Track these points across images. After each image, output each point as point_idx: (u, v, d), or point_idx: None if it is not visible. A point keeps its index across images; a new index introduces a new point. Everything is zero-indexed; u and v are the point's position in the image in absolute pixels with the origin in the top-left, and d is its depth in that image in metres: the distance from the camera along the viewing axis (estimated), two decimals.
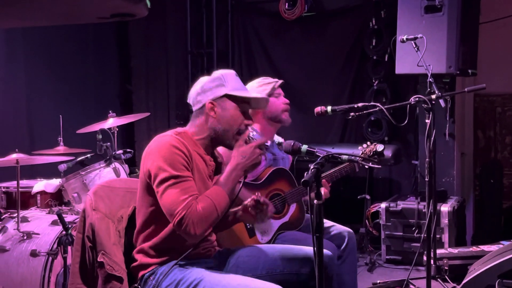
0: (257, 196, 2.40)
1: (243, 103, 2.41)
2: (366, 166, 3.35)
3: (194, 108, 2.44)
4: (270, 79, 3.30)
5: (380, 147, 3.21)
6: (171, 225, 2.21)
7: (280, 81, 3.29)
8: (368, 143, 3.28)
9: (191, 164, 2.29)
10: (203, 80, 2.44)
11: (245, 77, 6.18)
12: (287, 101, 3.28)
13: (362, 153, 3.24)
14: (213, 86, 2.40)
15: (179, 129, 2.42)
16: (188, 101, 2.47)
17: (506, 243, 4.12)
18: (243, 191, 3.02)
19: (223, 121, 2.37)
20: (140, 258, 2.35)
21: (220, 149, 2.59)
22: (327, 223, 3.22)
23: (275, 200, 3.16)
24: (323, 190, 3.11)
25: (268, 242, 3.10)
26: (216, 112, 2.37)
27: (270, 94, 3.21)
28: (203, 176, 2.36)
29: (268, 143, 3.23)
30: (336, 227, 3.23)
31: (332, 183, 3.22)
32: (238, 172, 2.30)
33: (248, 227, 3.05)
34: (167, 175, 2.21)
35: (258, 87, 3.23)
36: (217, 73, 2.45)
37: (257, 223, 2.48)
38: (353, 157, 2.26)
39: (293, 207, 3.22)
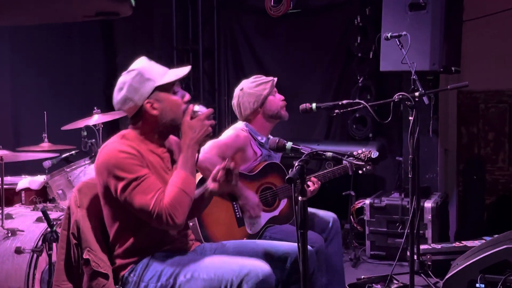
0: (226, 164, 2.36)
1: (172, 85, 2.33)
2: (360, 171, 3.41)
3: (129, 115, 2.36)
4: (264, 78, 3.33)
5: (374, 154, 3.29)
6: (151, 224, 2.21)
7: (275, 79, 3.32)
8: (364, 149, 3.38)
9: (144, 162, 2.26)
10: (124, 83, 2.33)
11: (231, 73, 6.25)
12: (283, 97, 3.33)
13: (356, 156, 3.30)
14: (139, 86, 2.29)
15: (122, 132, 2.38)
16: (116, 108, 2.38)
17: (488, 238, 4.17)
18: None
19: (167, 112, 2.32)
20: (118, 261, 2.35)
21: None
22: (310, 210, 3.28)
23: (267, 193, 3.22)
24: (312, 186, 3.17)
25: (256, 234, 3.15)
26: (156, 108, 2.31)
27: (269, 93, 3.26)
28: (159, 171, 2.34)
29: (263, 139, 3.30)
30: (320, 213, 3.33)
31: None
32: (192, 147, 2.28)
33: (238, 216, 3.10)
34: (126, 182, 2.20)
35: (256, 86, 3.26)
36: (133, 69, 2.33)
37: (223, 191, 2.41)
38: (337, 155, 2.28)
39: (283, 202, 3.27)
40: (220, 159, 3.00)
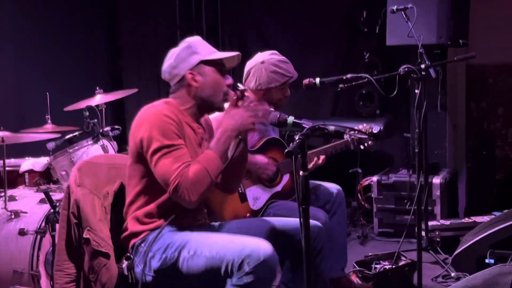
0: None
1: (219, 65, 2.40)
2: (362, 147, 3.36)
3: (172, 83, 2.42)
4: (287, 67, 3.21)
5: (376, 129, 3.24)
6: (167, 193, 2.22)
7: (294, 77, 3.22)
8: (365, 124, 3.30)
9: (182, 132, 2.30)
10: (174, 53, 2.42)
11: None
12: (289, 94, 3.26)
13: (357, 129, 3.25)
14: (186, 56, 2.38)
15: (165, 99, 2.42)
16: (163, 77, 2.45)
17: (498, 214, 4.12)
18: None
19: (207, 87, 2.37)
20: (131, 227, 2.35)
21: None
22: (313, 183, 3.27)
23: None
24: (320, 159, 3.15)
25: (260, 210, 3.13)
26: (197, 81, 2.37)
27: (278, 86, 3.18)
28: (193, 144, 2.36)
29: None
30: (324, 185, 3.32)
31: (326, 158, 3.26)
32: (228, 134, 2.28)
33: (240, 192, 3.07)
34: (159, 144, 2.22)
35: (273, 72, 3.16)
36: (185, 42, 2.43)
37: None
38: (340, 129, 2.22)
39: (286, 178, 3.25)
40: None
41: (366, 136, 3.13)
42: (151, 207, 2.33)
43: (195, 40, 2.44)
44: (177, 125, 2.28)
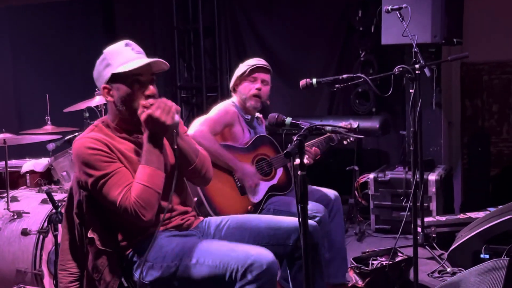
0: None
1: (136, 75, 2.23)
2: (345, 142, 3.48)
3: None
4: (257, 61, 3.42)
5: (354, 124, 3.41)
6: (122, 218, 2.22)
7: (259, 64, 3.39)
8: (344, 123, 3.45)
9: (115, 155, 2.24)
10: (96, 65, 2.32)
11: (233, 51, 6.22)
12: (259, 87, 3.36)
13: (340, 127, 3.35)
14: (101, 70, 2.28)
15: (97, 122, 2.37)
16: None
17: (493, 209, 4.17)
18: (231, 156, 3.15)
19: (121, 101, 2.25)
20: (122, 241, 2.36)
21: None
22: (311, 188, 3.33)
23: (262, 163, 3.32)
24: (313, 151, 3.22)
25: (260, 202, 3.22)
26: (112, 95, 2.27)
27: (244, 75, 3.37)
28: (133, 159, 2.29)
29: (249, 117, 3.39)
30: (321, 191, 3.37)
31: (322, 155, 3.35)
32: (149, 141, 2.23)
33: (239, 185, 3.18)
34: (94, 179, 2.20)
35: (244, 64, 3.39)
36: (104, 52, 2.30)
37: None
38: (336, 129, 2.28)
39: (280, 171, 3.36)
40: (211, 134, 3.14)
41: (359, 136, 3.20)
42: (128, 227, 2.32)
43: (112, 50, 2.29)
44: (104, 152, 2.21)
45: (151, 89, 2.26)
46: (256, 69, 3.35)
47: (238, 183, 3.18)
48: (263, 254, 2.16)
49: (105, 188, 2.19)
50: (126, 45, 2.31)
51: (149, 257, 2.28)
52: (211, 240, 2.40)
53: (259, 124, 3.48)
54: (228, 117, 3.28)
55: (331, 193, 3.37)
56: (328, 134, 3.31)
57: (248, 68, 3.34)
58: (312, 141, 3.36)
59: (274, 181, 3.31)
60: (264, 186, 3.26)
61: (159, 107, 2.19)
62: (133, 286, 2.33)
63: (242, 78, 3.36)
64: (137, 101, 2.24)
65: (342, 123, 3.41)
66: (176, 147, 2.25)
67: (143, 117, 2.19)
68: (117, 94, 2.26)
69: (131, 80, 2.24)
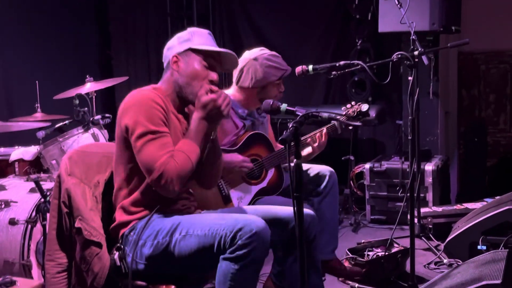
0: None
1: (209, 58, 2.35)
2: (350, 127, 3.34)
3: (164, 65, 2.42)
4: (280, 61, 3.15)
5: (364, 107, 3.15)
6: (149, 181, 2.19)
7: (288, 71, 3.17)
8: (353, 103, 3.21)
9: (168, 121, 2.27)
10: (174, 37, 2.41)
11: (227, 39, 6.13)
12: (283, 89, 3.21)
13: (345, 114, 3.19)
14: (180, 41, 2.36)
15: (155, 85, 2.39)
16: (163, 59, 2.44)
17: (490, 200, 4.13)
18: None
19: (185, 74, 2.33)
20: (119, 217, 2.32)
21: None
22: (305, 166, 3.22)
23: (253, 166, 3.11)
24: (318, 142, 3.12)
25: None
26: (179, 66, 2.34)
27: (274, 82, 3.13)
28: (177, 134, 2.33)
29: (245, 113, 3.18)
30: (316, 167, 3.28)
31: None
32: (199, 122, 2.26)
33: (224, 194, 3.02)
34: (145, 129, 2.19)
35: (268, 67, 3.09)
36: (189, 29, 2.41)
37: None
38: (333, 116, 2.20)
39: (271, 172, 3.19)
40: None
41: (357, 123, 3.09)
42: (137, 195, 2.30)
43: (198, 30, 2.40)
44: (164, 112, 2.25)
45: (216, 76, 2.36)
46: (284, 75, 3.17)
47: (223, 191, 3.01)
48: (252, 219, 2.13)
49: (151, 144, 2.18)
50: (209, 34, 2.42)
51: (142, 235, 2.25)
52: (203, 214, 2.38)
53: (259, 113, 3.28)
54: None
55: (326, 169, 3.28)
56: (332, 123, 3.18)
57: (283, 74, 3.14)
58: (313, 133, 3.22)
59: (263, 184, 3.15)
60: (251, 193, 3.11)
61: (222, 95, 2.25)
62: (126, 267, 2.28)
63: (271, 83, 3.14)
64: (200, 81, 2.32)
65: (349, 105, 3.19)
66: (213, 137, 2.33)
67: (205, 98, 2.24)
68: (184, 67, 2.33)
69: (204, 60, 2.33)
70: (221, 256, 2.12)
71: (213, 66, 2.36)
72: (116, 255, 2.29)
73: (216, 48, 2.36)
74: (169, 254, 2.21)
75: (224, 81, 6.06)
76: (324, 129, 3.22)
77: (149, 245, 2.23)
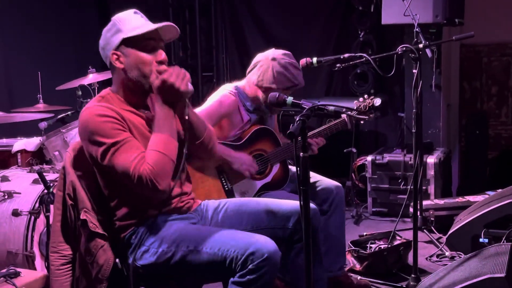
0: None
1: (147, 40, 2.17)
2: (362, 122, 3.28)
3: (108, 66, 2.27)
4: (295, 72, 3.05)
5: (377, 101, 3.04)
6: (134, 190, 2.12)
7: (301, 84, 3.09)
8: (366, 96, 3.13)
9: (125, 124, 2.16)
10: (102, 33, 2.25)
11: (228, 29, 6.12)
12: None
13: (357, 108, 3.11)
14: (110, 36, 2.21)
15: (103, 92, 2.28)
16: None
17: (491, 193, 4.13)
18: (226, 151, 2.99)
19: (132, 68, 2.18)
20: (118, 223, 2.29)
21: None
22: (314, 177, 3.17)
23: (257, 161, 3.08)
24: (319, 141, 3.08)
25: None
26: (122, 61, 2.19)
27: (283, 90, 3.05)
28: (143, 132, 2.22)
29: (252, 107, 3.11)
30: (323, 181, 3.18)
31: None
32: (162, 107, 2.15)
33: (226, 189, 3.00)
34: (105, 147, 2.10)
35: (280, 75, 3.01)
36: (113, 19, 2.24)
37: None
38: (339, 109, 2.19)
39: (276, 167, 3.15)
40: None
41: (366, 117, 3.05)
42: (127, 207, 2.25)
43: (122, 16, 2.23)
44: (115, 119, 2.13)
45: (163, 55, 2.20)
46: (296, 88, 3.10)
47: (225, 186, 2.99)
48: (264, 243, 2.08)
49: (117, 156, 2.09)
50: (135, 13, 2.25)
51: (145, 241, 2.22)
52: (210, 227, 2.33)
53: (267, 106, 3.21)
54: (223, 110, 3.01)
55: (333, 185, 3.16)
56: (343, 118, 3.11)
57: (291, 86, 3.06)
58: (322, 127, 3.16)
59: (268, 179, 3.11)
60: (254, 188, 3.07)
61: (173, 72, 2.13)
62: (127, 269, 2.26)
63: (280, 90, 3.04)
64: (149, 66, 2.17)
65: (361, 99, 3.09)
66: (187, 117, 2.19)
67: (157, 82, 2.13)
68: (127, 60, 2.18)
69: (143, 44, 2.18)
70: (231, 280, 2.08)
71: (155, 46, 2.20)
72: (118, 260, 2.26)
73: (149, 27, 2.17)
74: (174, 264, 2.17)
75: (226, 71, 6.07)
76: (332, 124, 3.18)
77: (153, 252, 2.20)
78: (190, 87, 2.16)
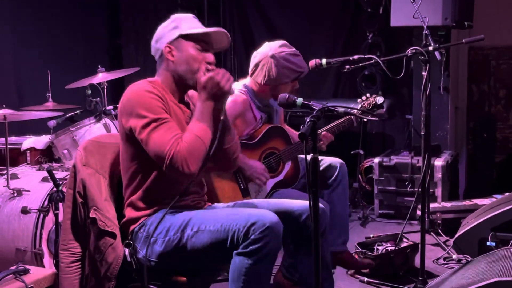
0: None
1: (200, 42, 2.32)
2: (365, 119, 3.32)
3: (156, 58, 2.39)
4: (298, 61, 3.07)
5: (380, 100, 3.11)
6: (164, 168, 2.16)
7: (305, 73, 3.11)
8: (368, 95, 3.18)
9: (168, 109, 2.26)
10: (159, 27, 2.38)
11: (237, 30, 6.12)
12: (297, 86, 3.16)
13: (360, 106, 3.15)
14: (167, 31, 2.33)
15: (149, 79, 2.36)
16: (152, 53, 2.40)
17: (499, 196, 4.13)
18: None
19: (182, 62, 2.31)
20: (129, 213, 2.32)
21: None
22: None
23: (270, 159, 3.14)
24: (327, 135, 3.10)
25: None
26: (174, 55, 2.32)
27: (288, 82, 3.09)
28: (181, 122, 2.31)
29: (261, 104, 3.15)
30: (326, 159, 3.25)
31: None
32: (205, 103, 2.24)
33: (242, 187, 3.03)
34: (147, 120, 2.18)
35: (283, 68, 3.04)
36: (172, 17, 2.38)
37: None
38: (349, 110, 2.20)
39: (288, 165, 3.20)
40: None
41: (374, 118, 3.07)
42: (144, 191, 2.29)
43: (182, 16, 2.37)
44: (161, 99, 2.23)
45: (212, 57, 2.34)
46: (300, 77, 3.13)
47: (241, 184, 3.03)
48: (265, 214, 2.14)
49: (156, 132, 2.16)
50: (194, 17, 2.39)
51: (153, 233, 2.25)
52: (210, 210, 2.36)
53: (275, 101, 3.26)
54: (237, 108, 3.05)
55: (336, 161, 3.25)
56: (349, 116, 3.13)
57: (297, 76, 3.09)
58: (329, 125, 3.19)
59: (280, 177, 3.16)
60: (268, 186, 3.12)
61: (220, 72, 2.25)
62: (137, 263, 2.29)
63: (284, 83, 3.09)
64: (198, 63, 2.30)
65: (365, 97, 3.15)
66: (223, 118, 2.28)
67: (204, 79, 2.24)
68: (179, 55, 2.31)
69: (197, 44, 2.31)
70: (235, 252, 2.12)
71: (206, 48, 2.34)
72: (127, 251, 2.29)
73: (206, 29, 2.33)
74: (181, 250, 2.21)
75: (234, 71, 6.07)
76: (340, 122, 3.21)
77: (160, 242, 2.23)
78: (232, 89, 2.28)
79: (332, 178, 3.23)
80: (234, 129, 2.46)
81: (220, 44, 2.39)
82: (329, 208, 3.01)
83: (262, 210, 2.19)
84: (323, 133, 3.17)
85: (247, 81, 3.19)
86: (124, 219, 2.34)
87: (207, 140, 2.22)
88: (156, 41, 2.36)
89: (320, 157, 3.20)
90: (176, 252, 2.22)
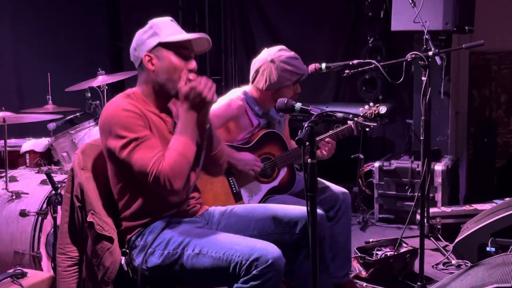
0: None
1: (181, 48, 2.25)
2: (366, 129, 3.28)
3: (136, 66, 2.33)
4: (298, 64, 3.04)
5: (382, 109, 3.04)
6: (148, 186, 2.15)
7: (305, 75, 3.09)
8: (371, 104, 3.13)
9: (148, 123, 2.21)
10: (136, 34, 2.31)
11: (238, 34, 6.13)
12: (299, 90, 3.13)
13: (363, 115, 3.11)
14: (146, 38, 2.26)
15: (128, 91, 2.32)
16: (131, 60, 2.35)
17: (499, 201, 4.12)
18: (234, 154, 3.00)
19: (163, 71, 2.24)
20: (124, 224, 2.31)
21: None
22: (321, 183, 3.17)
23: (265, 164, 3.11)
24: (327, 147, 3.07)
25: None
26: (154, 64, 2.25)
27: (289, 86, 3.06)
28: (163, 134, 2.27)
29: (261, 111, 3.11)
30: (331, 188, 3.19)
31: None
32: (187, 113, 2.20)
33: (234, 191, 3.01)
34: (126, 140, 2.14)
35: (284, 71, 3.01)
36: (150, 22, 2.30)
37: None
38: (348, 115, 2.19)
39: (283, 171, 3.17)
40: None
41: (374, 124, 3.05)
42: (136, 206, 2.27)
43: (160, 21, 2.29)
44: (139, 116, 2.18)
45: (194, 64, 2.28)
46: (301, 79, 3.10)
47: (233, 188, 3.01)
48: (268, 249, 2.09)
49: (137, 151, 2.13)
50: (171, 20, 2.32)
51: (151, 243, 2.23)
52: (216, 232, 2.34)
53: (278, 113, 3.19)
54: (230, 112, 3.04)
55: (340, 191, 3.16)
56: (349, 124, 3.09)
57: (298, 78, 3.06)
58: (329, 133, 3.14)
59: (275, 183, 3.13)
60: (262, 191, 3.10)
61: (201, 81, 2.20)
62: (133, 271, 2.27)
63: (286, 86, 3.06)
64: (179, 72, 2.24)
65: (367, 106, 3.09)
66: (208, 126, 2.26)
67: (185, 88, 2.20)
68: (159, 63, 2.25)
69: (177, 51, 2.25)
70: (235, 285, 2.09)
71: (188, 55, 2.28)
72: (123, 260, 2.27)
73: (186, 36, 2.26)
74: (179, 267, 2.19)
75: (234, 75, 6.07)
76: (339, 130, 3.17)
77: (159, 254, 2.21)
78: (215, 97, 2.24)
79: (334, 210, 3.14)
80: (220, 135, 2.44)
81: (201, 48, 2.34)
82: (332, 240, 2.94)
83: (265, 243, 2.14)
84: (326, 139, 3.11)
85: (249, 88, 3.16)
86: (121, 228, 2.32)
87: (191, 155, 2.19)
88: (135, 48, 2.30)
89: (324, 184, 3.20)
90: (173, 267, 2.20)
